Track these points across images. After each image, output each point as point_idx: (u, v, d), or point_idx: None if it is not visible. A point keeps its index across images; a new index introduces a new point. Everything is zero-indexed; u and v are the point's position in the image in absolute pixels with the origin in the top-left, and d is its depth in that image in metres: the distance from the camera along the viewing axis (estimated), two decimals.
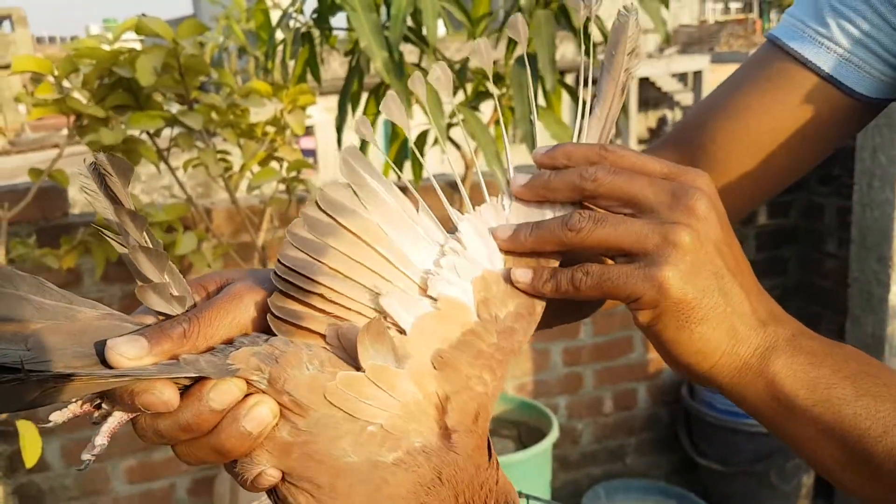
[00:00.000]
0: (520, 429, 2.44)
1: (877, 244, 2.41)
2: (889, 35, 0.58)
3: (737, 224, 0.67)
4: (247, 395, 0.42)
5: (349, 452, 0.41)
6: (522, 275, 0.47)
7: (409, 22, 1.87)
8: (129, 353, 0.40)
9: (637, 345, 2.83)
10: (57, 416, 0.41)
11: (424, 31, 1.90)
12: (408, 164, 2.40)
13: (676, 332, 0.46)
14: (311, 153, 13.01)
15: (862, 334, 2.52)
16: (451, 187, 2.49)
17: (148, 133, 1.79)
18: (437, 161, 2.73)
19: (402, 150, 2.28)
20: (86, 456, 0.42)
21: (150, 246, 0.42)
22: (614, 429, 2.87)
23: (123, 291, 2.22)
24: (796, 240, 2.93)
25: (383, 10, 1.88)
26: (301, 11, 2.09)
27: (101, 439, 0.42)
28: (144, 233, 0.42)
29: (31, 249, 1.73)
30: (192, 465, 0.43)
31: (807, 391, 0.46)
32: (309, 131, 13.05)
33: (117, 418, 0.42)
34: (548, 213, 0.51)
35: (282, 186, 1.91)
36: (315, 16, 2.05)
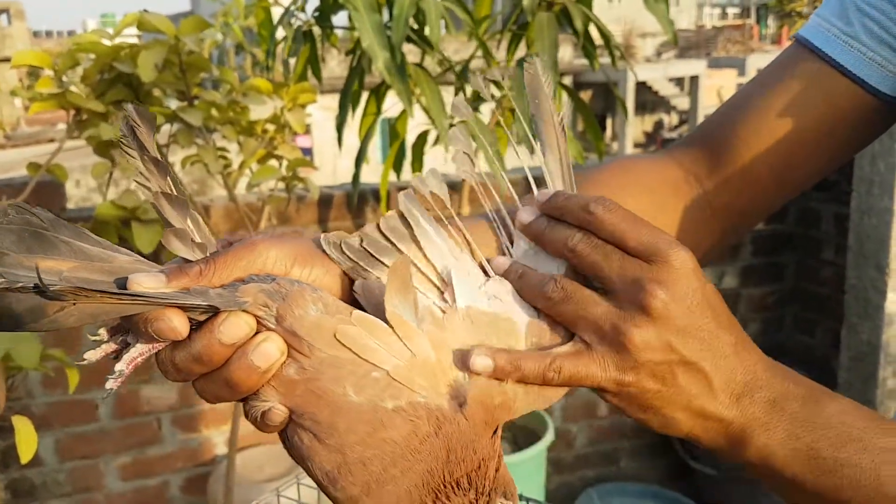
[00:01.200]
0: (515, 431, 2.44)
1: (874, 252, 2.41)
2: None
3: (758, 224, 0.67)
4: (256, 333, 0.44)
5: (350, 393, 0.44)
6: (482, 363, 0.46)
7: (412, 22, 1.87)
8: (148, 284, 0.42)
9: None
10: (91, 355, 0.44)
11: (427, 32, 1.90)
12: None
13: (642, 414, 0.49)
14: (307, 151, 12.99)
15: (858, 342, 2.53)
16: (451, 188, 2.49)
17: None
18: (439, 162, 2.72)
19: (401, 151, 2.27)
20: (109, 384, 0.44)
21: (173, 192, 0.44)
22: (609, 432, 2.86)
23: None
24: (793, 246, 2.93)
25: (385, 9, 1.87)
26: (303, 9, 2.08)
27: (122, 366, 0.44)
28: (168, 179, 0.45)
29: None
30: (211, 402, 0.46)
31: (785, 463, 0.47)
32: (305, 129, 13.02)
33: (139, 349, 0.45)
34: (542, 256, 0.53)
35: (281, 184, 1.91)
36: (317, 14, 2.04)
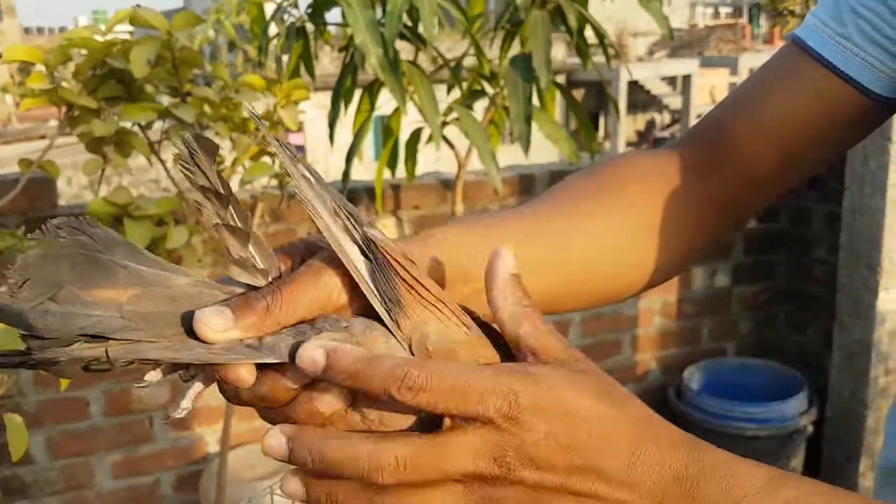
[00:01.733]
0: None
1: (866, 251, 2.42)
2: None
3: (755, 215, 0.67)
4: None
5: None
6: (276, 444, 0.42)
7: (405, 19, 1.87)
8: (216, 324, 0.41)
9: (625, 347, 2.84)
10: (151, 377, 0.44)
11: (420, 29, 1.89)
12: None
13: None
14: (300, 149, 12.97)
15: (849, 340, 2.54)
16: (444, 186, 2.49)
17: (139, 125, 1.77)
18: (431, 160, 2.72)
19: (395, 149, 2.27)
20: (173, 415, 0.44)
21: (234, 222, 0.44)
22: None
23: None
24: (785, 245, 2.94)
25: (378, 6, 1.87)
26: (295, 5, 2.08)
27: (188, 403, 0.44)
28: (230, 208, 0.44)
29: (19, 240, 1.71)
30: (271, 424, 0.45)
31: None
32: (298, 127, 13.01)
33: (201, 386, 0.45)
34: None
35: (274, 182, 1.90)
36: (309, 10, 2.04)
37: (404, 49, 2.07)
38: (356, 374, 0.39)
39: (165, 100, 1.77)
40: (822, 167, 0.69)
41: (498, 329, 0.44)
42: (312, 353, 0.40)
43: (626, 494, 0.39)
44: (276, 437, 0.42)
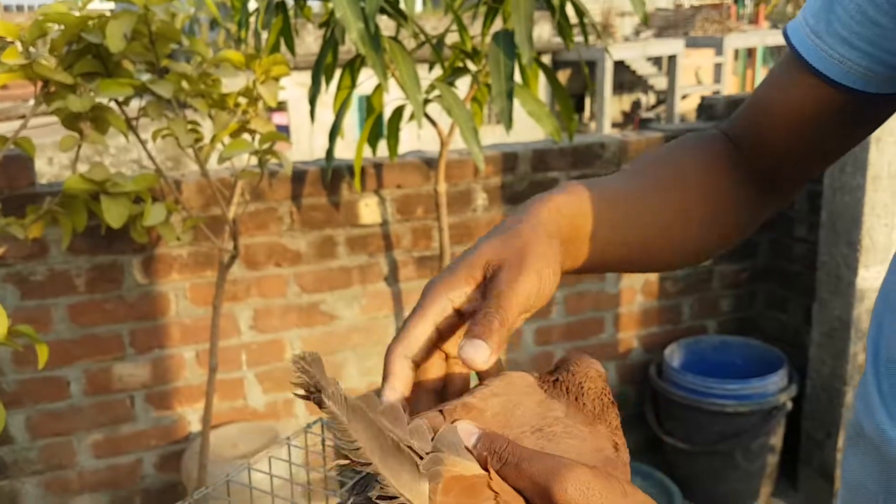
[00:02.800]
0: None
1: (846, 229, 2.44)
2: (869, 30, 0.60)
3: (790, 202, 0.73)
4: None
5: None
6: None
7: None
8: (482, 356, 0.45)
9: (607, 325, 2.85)
10: None
11: (402, 5, 1.88)
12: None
13: None
14: (283, 129, 12.89)
15: (829, 317, 2.56)
16: (427, 164, 2.48)
17: (117, 101, 1.75)
18: (413, 137, 2.71)
19: (377, 126, 2.25)
20: None
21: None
22: None
23: (91, 263, 2.19)
24: (767, 223, 2.95)
25: None
26: None
27: None
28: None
29: None
30: None
31: None
32: (282, 107, 12.92)
33: None
34: None
35: (254, 160, 1.89)
36: None
37: (386, 26, 2.05)
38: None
39: (143, 78, 1.75)
40: (840, 156, 0.72)
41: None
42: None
43: None
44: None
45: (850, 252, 2.44)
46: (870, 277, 2.43)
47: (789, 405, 2.62)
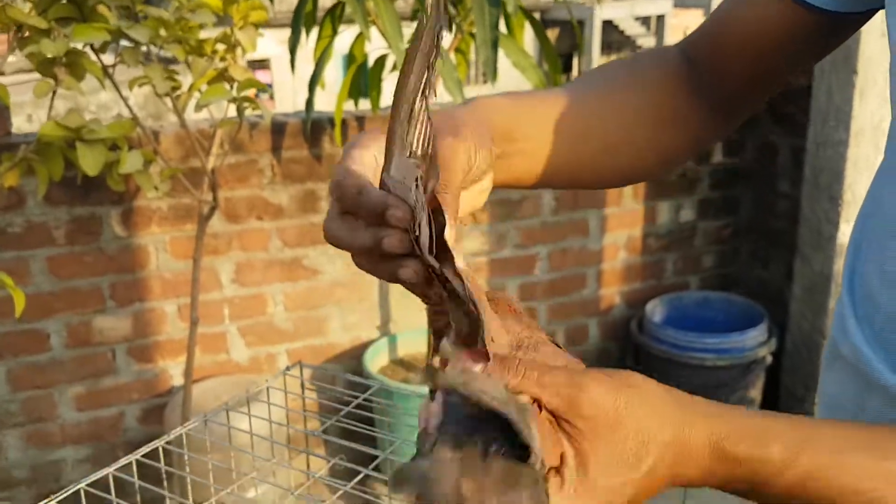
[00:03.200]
0: None
1: (828, 183, 2.44)
2: None
3: (734, 135, 0.74)
4: None
5: None
6: None
7: None
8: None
9: (590, 281, 2.86)
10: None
11: None
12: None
13: None
14: (267, 86, 12.72)
15: (810, 272, 2.57)
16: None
17: (92, 48, 1.71)
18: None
19: (360, 77, 2.22)
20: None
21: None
22: None
23: (69, 215, 2.16)
24: (750, 179, 2.95)
25: None
26: None
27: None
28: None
29: None
30: None
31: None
32: (265, 65, 12.75)
33: None
34: None
35: (232, 109, 1.86)
36: None
37: None
38: None
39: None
40: (793, 75, 0.72)
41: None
42: None
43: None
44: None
45: (831, 207, 2.44)
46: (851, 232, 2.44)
47: (769, 359, 2.65)
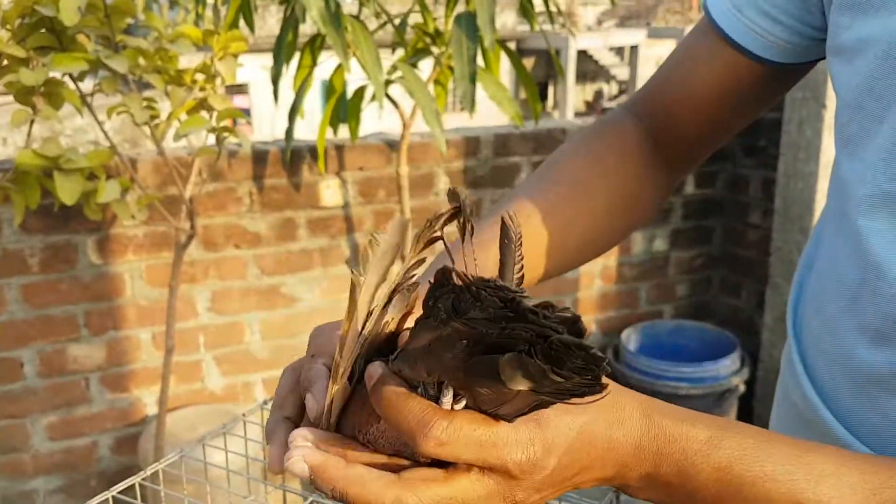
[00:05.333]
0: None
1: (799, 215, 2.49)
2: (794, 5, 0.62)
3: (677, 186, 0.76)
4: None
5: None
6: (298, 469, 0.43)
7: None
8: None
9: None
10: None
11: None
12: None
13: None
14: (245, 113, 12.72)
15: (781, 302, 2.61)
16: (389, 146, 2.47)
17: (71, 77, 1.72)
18: (375, 119, 2.69)
19: (339, 107, 2.24)
20: None
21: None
22: None
23: (44, 242, 2.15)
24: (722, 210, 3.00)
25: None
26: None
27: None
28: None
29: None
30: None
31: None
32: (242, 89, 12.76)
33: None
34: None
35: (212, 138, 1.87)
36: None
37: (349, 10, 2.04)
38: (389, 410, 0.41)
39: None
40: (742, 127, 0.74)
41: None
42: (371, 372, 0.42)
43: (592, 475, 0.45)
44: (299, 463, 0.42)
45: (802, 238, 2.49)
46: None
47: (742, 388, 2.68)
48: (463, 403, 0.41)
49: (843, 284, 0.57)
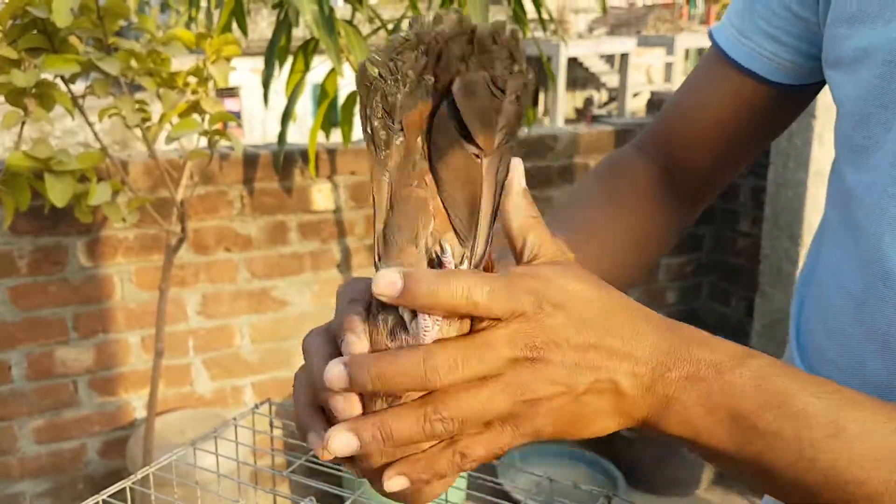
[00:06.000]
0: None
1: (789, 223, 2.50)
2: (795, 25, 0.62)
3: (706, 204, 0.77)
4: None
5: None
6: (336, 372, 0.43)
7: None
8: None
9: None
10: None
11: None
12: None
13: (554, 432, 0.46)
14: (236, 115, 12.69)
15: (770, 309, 2.62)
16: None
17: (63, 79, 1.71)
18: None
19: (331, 111, 2.24)
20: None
21: None
22: None
23: (34, 244, 2.13)
24: (712, 218, 3.02)
25: None
26: None
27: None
28: None
29: None
30: None
31: (709, 435, 0.46)
32: (234, 93, 12.74)
33: None
34: None
35: (203, 141, 1.86)
36: None
37: (340, 9, 2.04)
38: (428, 295, 0.42)
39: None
40: (758, 153, 0.73)
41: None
42: (390, 276, 0.42)
43: (627, 364, 0.45)
44: (336, 366, 0.42)
45: (791, 246, 2.50)
46: None
47: None
48: (465, 264, 0.45)
49: (849, 294, 0.57)
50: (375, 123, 0.42)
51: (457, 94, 0.41)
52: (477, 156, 0.43)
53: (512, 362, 0.43)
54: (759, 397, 0.45)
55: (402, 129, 0.43)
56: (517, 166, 0.47)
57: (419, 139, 0.43)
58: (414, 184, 0.44)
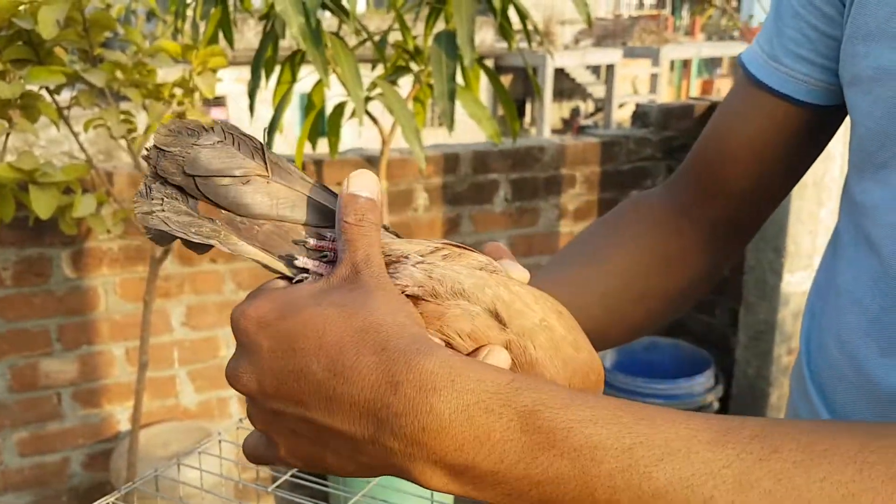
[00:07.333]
0: None
1: (773, 236, 2.52)
2: (825, 45, 0.62)
3: (756, 232, 0.75)
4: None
5: None
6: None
7: None
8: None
9: None
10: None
11: (344, 1, 1.87)
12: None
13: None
14: None
15: (755, 321, 2.64)
16: (368, 162, 2.47)
17: (48, 90, 1.70)
18: (355, 135, 2.70)
19: (318, 122, 2.24)
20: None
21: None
22: None
23: (18, 256, 2.12)
24: None
25: None
26: None
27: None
28: None
29: None
30: None
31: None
32: (220, 102, 12.71)
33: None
34: None
35: None
36: None
37: (328, 22, 2.05)
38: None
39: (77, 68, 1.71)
40: (798, 177, 0.73)
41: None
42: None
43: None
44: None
45: (775, 258, 2.52)
46: (794, 282, 2.52)
47: (716, 405, 2.70)
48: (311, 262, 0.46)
49: (865, 310, 0.57)
50: (194, 230, 0.45)
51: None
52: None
53: (255, 396, 0.44)
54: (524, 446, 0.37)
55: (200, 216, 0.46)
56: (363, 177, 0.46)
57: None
58: (254, 230, 0.46)
